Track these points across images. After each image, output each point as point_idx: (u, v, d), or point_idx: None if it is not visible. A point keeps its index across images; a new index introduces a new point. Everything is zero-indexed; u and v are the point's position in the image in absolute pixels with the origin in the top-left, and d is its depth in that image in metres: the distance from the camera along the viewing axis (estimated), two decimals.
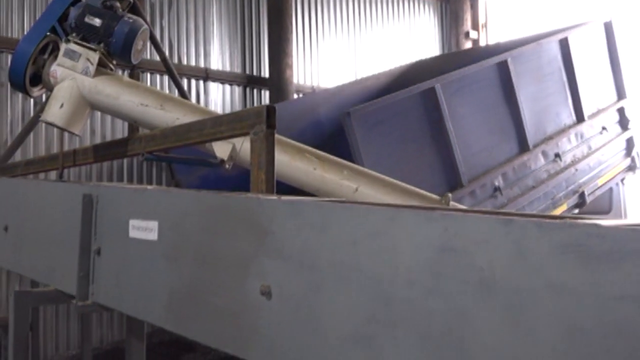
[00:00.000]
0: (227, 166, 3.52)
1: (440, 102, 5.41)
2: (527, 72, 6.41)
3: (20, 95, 7.57)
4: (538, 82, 6.56)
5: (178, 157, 4.30)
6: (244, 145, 3.40)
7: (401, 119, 5.26)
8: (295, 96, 9.37)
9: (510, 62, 6.13)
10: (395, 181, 3.64)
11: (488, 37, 12.15)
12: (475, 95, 5.84)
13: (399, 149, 5.17)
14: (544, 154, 6.46)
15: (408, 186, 3.60)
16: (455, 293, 1.09)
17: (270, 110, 2.74)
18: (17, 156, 7.31)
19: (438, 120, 5.43)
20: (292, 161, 3.42)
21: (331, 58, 10.65)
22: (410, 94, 5.38)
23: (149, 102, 3.67)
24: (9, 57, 7.49)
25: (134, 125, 4.01)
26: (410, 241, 1.15)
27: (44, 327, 7.46)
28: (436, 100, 5.41)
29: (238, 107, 9.33)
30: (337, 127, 5.46)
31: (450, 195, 3.63)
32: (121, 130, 8.29)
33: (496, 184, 5.78)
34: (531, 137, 6.31)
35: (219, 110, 8.93)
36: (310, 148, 3.55)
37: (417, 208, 1.19)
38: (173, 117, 3.59)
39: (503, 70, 6.10)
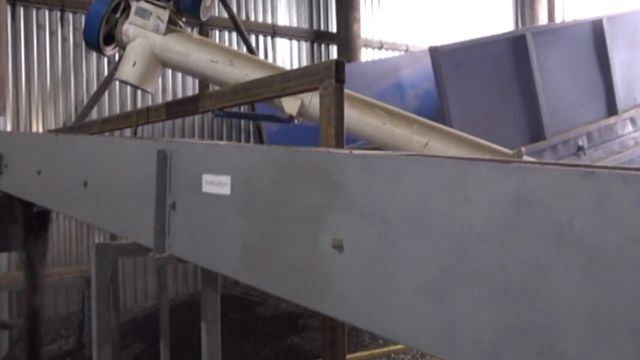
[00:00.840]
0: (295, 122, 3.53)
1: (530, 51, 5.30)
2: (622, 36, 6.18)
3: (94, 54, 7.77)
4: (632, 49, 6.32)
5: (248, 114, 4.34)
6: (312, 100, 3.39)
7: (489, 63, 5.17)
8: (363, 51, 9.27)
9: (605, 22, 5.93)
10: (466, 135, 3.58)
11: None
12: (566, 51, 5.67)
13: (485, 92, 5.08)
14: (633, 121, 6.24)
15: (480, 140, 3.53)
16: (531, 247, 1.06)
17: (339, 64, 2.71)
18: (93, 115, 7.54)
19: (526, 70, 5.32)
20: (361, 116, 3.39)
21: (399, 13, 10.43)
22: (500, 39, 5.28)
23: (218, 59, 3.69)
24: (83, 17, 7.67)
25: (204, 82, 4.05)
26: (484, 194, 1.13)
27: (123, 279, 7.77)
28: (526, 49, 5.30)
29: (305, 63, 9.30)
30: (422, 91, 5.42)
31: (523, 149, 3.55)
32: (192, 88, 8.42)
33: (580, 143, 5.63)
34: (621, 101, 6.11)
35: (287, 67, 8.91)
36: (379, 102, 3.51)
37: (492, 160, 1.16)
38: (242, 73, 3.61)
39: (597, 30, 5.92)
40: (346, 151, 1.49)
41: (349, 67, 3.02)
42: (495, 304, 1.11)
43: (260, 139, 8.25)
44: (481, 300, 1.13)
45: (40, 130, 7.55)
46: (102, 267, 2.67)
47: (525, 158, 3.56)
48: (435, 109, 5.06)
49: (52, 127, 7.59)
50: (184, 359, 5.53)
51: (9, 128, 7.07)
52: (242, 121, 8.49)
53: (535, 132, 5.33)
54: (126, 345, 6.05)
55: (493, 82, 5.15)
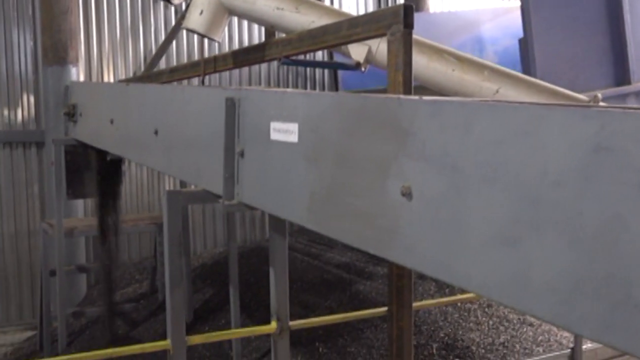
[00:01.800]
0: (363, 69, 3.48)
1: None
2: None
3: (161, 4, 7.83)
4: None
5: (314, 61, 4.31)
6: (380, 46, 3.34)
7: None
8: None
9: None
10: (539, 81, 3.46)
11: None
12: None
13: (570, 26, 4.85)
14: None
15: (554, 87, 3.41)
16: (610, 195, 1.02)
17: (407, 9, 2.65)
18: (161, 64, 7.65)
19: (616, 8, 5.04)
20: (429, 62, 3.32)
21: None
22: None
23: (284, 6, 3.67)
24: None
25: (270, 30, 4.04)
26: (561, 140, 1.09)
27: (193, 225, 7.98)
28: None
29: (371, 9, 9.13)
30: (502, 48, 5.23)
31: (600, 95, 3.41)
32: (257, 36, 8.41)
33: None
34: None
35: (353, 13, 8.78)
36: (448, 48, 3.42)
37: (570, 105, 1.12)
38: (308, 20, 3.57)
39: None
40: (416, 97, 1.46)
41: (424, 17, 2.95)
42: (570, 253, 1.09)
43: (335, 86, 8.25)
44: (556, 249, 1.11)
45: (111, 80, 7.73)
46: (173, 214, 2.74)
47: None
48: (514, 67, 4.88)
49: (122, 77, 7.75)
50: (252, 304, 5.68)
51: (81, 78, 7.26)
52: (308, 69, 8.47)
53: (619, 75, 5.08)
54: (196, 290, 6.25)
55: (580, 17, 4.88)
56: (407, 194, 1.44)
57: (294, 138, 1.89)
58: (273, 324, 3.08)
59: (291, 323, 3.14)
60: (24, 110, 7.40)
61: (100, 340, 5.52)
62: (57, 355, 5.44)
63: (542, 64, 4.36)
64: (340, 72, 7.60)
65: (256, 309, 5.62)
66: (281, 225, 3.01)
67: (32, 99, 7.39)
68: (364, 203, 1.59)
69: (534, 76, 4.49)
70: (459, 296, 4.63)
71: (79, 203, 7.17)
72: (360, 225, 1.62)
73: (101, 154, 4.70)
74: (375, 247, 1.57)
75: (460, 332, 5.05)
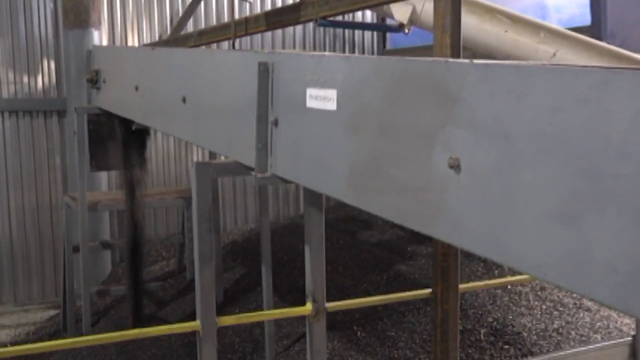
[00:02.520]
0: (406, 30, 3.45)
1: None
2: None
3: None
4: None
5: (354, 23, 4.28)
6: (425, 6, 3.30)
7: None
8: None
9: None
10: (601, 43, 3.39)
11: None
12: None
13: None
14: None
15: (618, 49, 3.33)
16: None
17: None
18: (189, 27, 7.67)
19: None
20: (480, 23, 3.27)
21: None
22: None
23: None
24: None
25: None
26: (627, 107, 1.07)
27: (223, 200, 8.05)
28: None
29: None
30: (567, 16, 5.08)
31: None
32: None
33: None
34: None
35: None
36: (501, 7, 3.37)
37: (637, 69, 1.09)
38: None
39: None
40: (466, 61, 1.44)
41: None
42: (634, 232, 1.07)
43: (383, 46, 8.21)
44: (618, 226, 1.09)
45: (136, 44, 7.79)
46: (202, 187, 2.77)
47: None
48: None
49: (148, 41, 7.80)
50: (286, 284, 5.73)
51: (104, 42, 7.33)
52: (347, 31, 8.40)
53: None
54: (227, 269, 6.32)
55: None
56: (455, 166, 1.43)
57: (332, 105, 1.89)
58: (308, 306, 3.11)
59: (327, 305, 3.17)
60: (44, 76, 7.52)
61: (125, 320, 5.64)
62: (81, 335, 5.57)
63: (613, 18, 4.24)
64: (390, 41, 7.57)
65: (290, 291, 5.68)
66: (317, 200, 3.02)
67: (52, 64, 7.50)
68: (407, 176, 1.59)
69: (605, 32, 4.36)
70: (510, 278, 4.61)
71: (103, 175, 7.29)
72: (403, 200, 1.62)
73: (126, 123, 4.76)
74: (420, 224, 1.57)
75: (510, 317, 5.03)
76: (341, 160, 1.86)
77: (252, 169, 2.36)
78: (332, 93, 1.89)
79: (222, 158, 3.48)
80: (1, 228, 7.41)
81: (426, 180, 1.52)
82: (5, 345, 5.89)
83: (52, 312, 7.19)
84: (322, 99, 1.94)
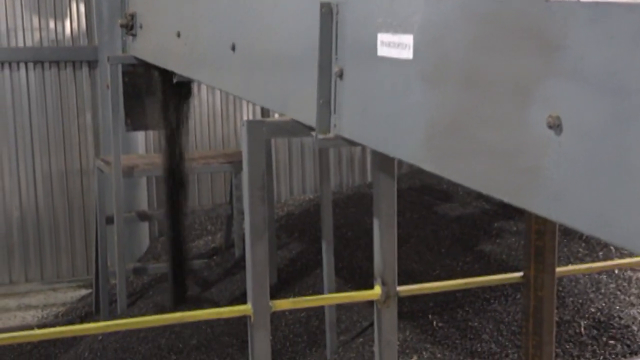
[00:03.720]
0: None
1: None
2: None
3: None
4: None
5: None
6: None
7: None
8: None
9: None
10: None
11: None
12: None
13: None
14: None
15: None
16: None
17: None
18: None
19: None
20: None
21: None
22: None
23: None
24: None
25: None
26: None
27: (277, 166, 8.11)
28: None
29: None
30: None
31: None
32: None
33: None
34: None
35: None
36: None
37: None
38: None
39: None
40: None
41: None
42: None
43: None
44: None
45: None
46: (254, 149, 2.79)
47: None
48: None
49: None
50: (350, 265, 5.76)
51: None
52: None
53: None
54: (281, 245, 6.38)
55: None
56: (555, 126, 1.41)
57: (407, 54, 1.88)
58: (377, 289, 3.13)
59: (399, 289, 3.18)
60: (73, 22, 7.66)
61: (166, 302, 5.77)
62: (115, 318, 5.73)
63: None
64: None
65: (354, 272, 5.71)
66: (388, 166, 3.02)
67: (82, 8, 7.63)
68: (497, 137, 1.57)
69: None
70: (618, 261, 4.54)
71: (140, 136, 7.42)
72: (491, 166, 1.61)
73: (166, 75, 4.82)
74: (511, 194, 1.56)
75: (617, 308, 4.96)
76: (418, 118, 1.85)
77: (312, 129, 2.37)
78: (407, 39, 1.88)
79: (277, 116, 3.50)
80: (26, 197, 7.62)
81: (520, 142, 1.51)
82: (31, 328, 6.09)
83: (83, 292, 7.41)
84: (395, 45, 1.93)
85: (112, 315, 6.02)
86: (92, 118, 7.71)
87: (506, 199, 1.57)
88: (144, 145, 7.61)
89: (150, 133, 7.43)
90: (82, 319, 6.53)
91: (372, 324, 4.76)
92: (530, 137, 1.48)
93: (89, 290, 7.14)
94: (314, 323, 5.17)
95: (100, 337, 5.44)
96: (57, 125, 7.64)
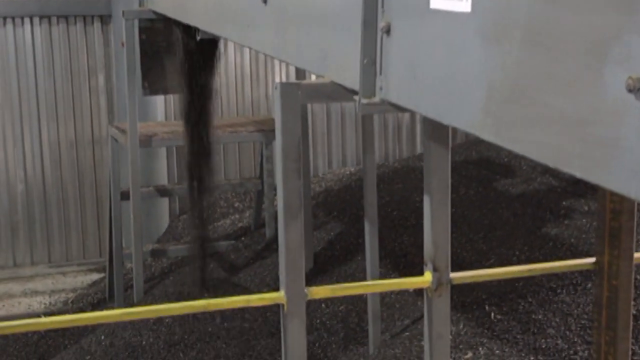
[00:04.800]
0: None
1: None
2: None
3: None
4: None
5: None
6: None
7: None
8: None
9: None
10: None
11: None
12: None
13: None
14: None
15: None
16: None
17: None
18: None
19: None
20: None
21: None
22: None
23: None
24: None
25: None
26: None
27: (314, 135, 8.10)
28: None
29: None
30: None
31: None
32: None
33: None
34: None
35: None
36: None
37: None
38: None
39: None
40: None
41: None
42: None
43: None
44: None
45: None
46: (289, 116, 2.79)
47: None
48: None
49: None
50: (396, 248, 5.75)
51: None
52: None
53: None
54: (318, 225, 6.40)
55: None
56: (635, 89, 1.39)
57: (465, 6, 1.86)
58: (427, 276, 3.13)
59: (452, 275, 3.18)
60: None
61: (188, 288, 5.81)
62: (131, 305, 5.79)
63: None
64: None
65: (401, 256, 5.71)
66: (441, 135, 3.01)
67: None
68: (568, 102, 1.56)
69: None
70: None
71: (159, 101, 7.45)
72: (560, 136, 1.59)
73: (188, 31, 4.83)
74: (583, 168, 1.55)
75: None
76: (476, 81, 1.84)
77: (355, 93, 2.37)
78: None
79: (314, 78, 3.50)
80: (31, 169, 7.70)
81: (594, 108, 1.49)
82: (38, 316, 6.18)
83: (95, 276, 7.50)
84: None
85: (128, 303, 6.08)
86: (105, 80, 7.76)
87: (577, 174, 1.56)
88: (164, 111, 7.65)
89: (171, 98, 7.46)
90: (94, 307, 6.60)
91: (421, 317, 4.77)
92: (607, 102, 1.47)
93: (102, 275, 7.23)
94: (353, 319, 5.19)
95: (114, 328, 5.50)
96: (66, 88, 7.70)
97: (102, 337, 5.47)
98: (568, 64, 1.57)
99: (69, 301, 7.02)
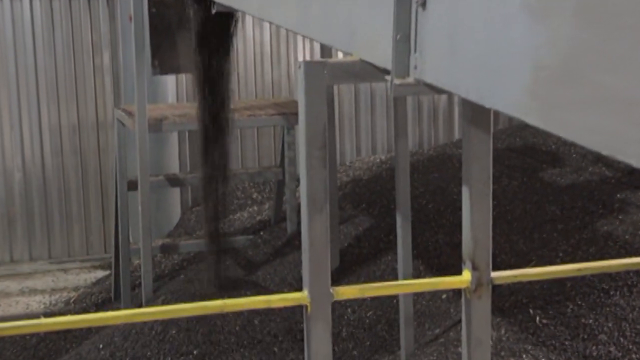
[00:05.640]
0: None
1: None
2: None
3: None
4: None
5: None
6: None
7: None
8: None
9: None
10: None
11: None
12: None
13: None
14: None
15: None
16: None
17: None
18: None
19: None
20: None
21: None
22: None
23: None
24: None
25: None
26: None
27: (341, 119, 8.10)
28: None
29: None
30: None
31: None
32: None
33: None
34: None
35: None
36: None
37: None
38: None
39: None
40: None
41: None
42: None
43: None
44: None
45: None
46: (313, 98, 2.78)
47: None
48: None
49: None
50: (430, 245, 5.74)
51: None
52: None
53: None
54: (345, 219, 6.40)
55: None
56: None
57: None
58: (466, 275, 3.12)
59: (494, 275, 3.17)
60: None
61: (201, 287, 5.83)
62: (140, 305, 5.82)
63: None
64: None
65: (436, 254, 5.70)
66: (483, 120, 3.00)
67: None
68: (624, 82, 1.55)
69: None
70: None
71: (170, 81, 7.47)
72: (616, 120, 1.59)
73: (202, 4, 4.83)
74: None
75: None
76: (522, 59, 1.84)
77: (386, 72, 2.36)
78: None
79: (341, 56, 3.49)
80: (30, 155, 7.73)
81: None
82: (37, 317, 6.21)
83: (100, 274, 7.53)
84: None
85: (136, 303, 6.11)
86: (111, 59, 7.78)
87: (634, 163, 1.55)
88: (175, 92, 7.67)
89: (183, 77, 7.48)
90: (99, 307, 6.64)
91: (454, 325, 4.76)
92: None
93: (107, 272, 7.26)
94: (382, 326, 5.19)
95: (121, 330, 5.52)
96: (67, 67, 7.73)
97: (101, 346, 5.47)
98: (625, 40, 1.56)
99: (71, 301, 7.06)
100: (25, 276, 7.59)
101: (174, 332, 5.29)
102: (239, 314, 5.19)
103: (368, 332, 5.20)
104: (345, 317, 5.27)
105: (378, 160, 8.17)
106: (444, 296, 5.07)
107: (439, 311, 5.08)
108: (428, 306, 5.16)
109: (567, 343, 4.62)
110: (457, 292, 4.90)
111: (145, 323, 5.18)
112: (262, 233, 6.84)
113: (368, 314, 5.27)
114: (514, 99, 1.89)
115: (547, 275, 3.88)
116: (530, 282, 4.78)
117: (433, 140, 8.56)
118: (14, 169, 7.70)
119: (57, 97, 7.70)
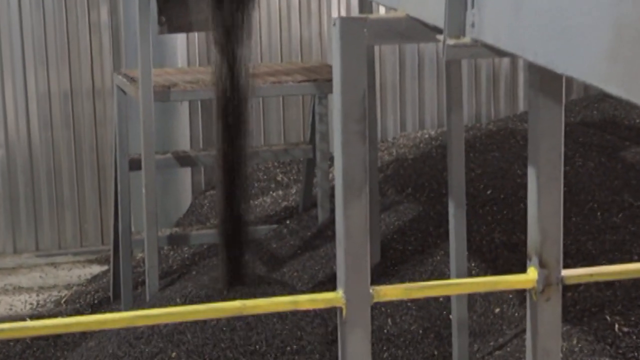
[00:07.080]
0: None
1: None
2: None
3: None
4: None
5: None
6: None
7: None
8: None
9: None
10: None
11: None
12: None
13: None
14: None
15: None
16: None
17: None
18: None
19: None
20: None
21: None
22: None
23: None
24: None
25: None
26: None
27: (382, 88, 8.09)
28: None
29: None
30: None
31: None
32: None
33: None
34: None
35: None
36: None
37: None
38: None
39: None
40: None
41: None
42: None
43: None
44: None
45: None
46: (351, 61, 2.78)
47: None
48: None
49: None
50: (486, 238, 5.73)
51: None
52: None
53: None
54: (387, 206, 6.39)
55: None
56: None
57: None
58: (532, 273, 3.12)
59: (565, 273, 3.17)
60: None
61: (216, 284, 5.85)
62: (142, 306, 5.85)
63: None
64: None
65: (496, 248, 5.70)
66: (553, 89, 2.99)
67: None
68: None
69: None
70: None
71: (179, 42, 7.49)
72: None
73: None
74: None
75: None
76: (601, 16, 1.84)
77: (438, 31, 2.37)
78: None
79: (383, 11, 3.50)
80: (14, 129, 7.77)
81: None
82: (23, 319, 6.26)
83: (96, 269, 7.59)
84: None
85: (139, 303, 6.15)
86: (110, 15, 7.81)
87: None
88: (185, 55, 7.69)
89: (195, 37, 7.49)
90: (94, 308, 6.68)
91: (518, 334, 4.77)
92: None
93: (104, 267, 7.31)
94: (429, 339, 5.20)
95: (121, 335, 5.56)
96: (58, 25, 7.76)
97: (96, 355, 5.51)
98: None
99: (62, 301, 7.10)
100: (8, 271, 7.64)
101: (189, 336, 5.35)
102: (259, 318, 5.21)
103: (415, 348, 5.22)
104: (386, 330, 5.29)
105: (427, 136, 8.17)
106: (497, 310, 5.07)
107: (490, 329, 5.08)
108: (478, 322, 5.16)
109: None
110: (512, 306, 4.91)
111: (149, 327, 5.22)
112: (288, 222, 6.86)
113: (412, 328, 5.28)
114: (590, 64, 1.90)
115: (629, 274, 3.87)
116: (606, 284, 4.77)
117: (493, 112, 8.55)
118: None
119: (45, 60, 7.73)
